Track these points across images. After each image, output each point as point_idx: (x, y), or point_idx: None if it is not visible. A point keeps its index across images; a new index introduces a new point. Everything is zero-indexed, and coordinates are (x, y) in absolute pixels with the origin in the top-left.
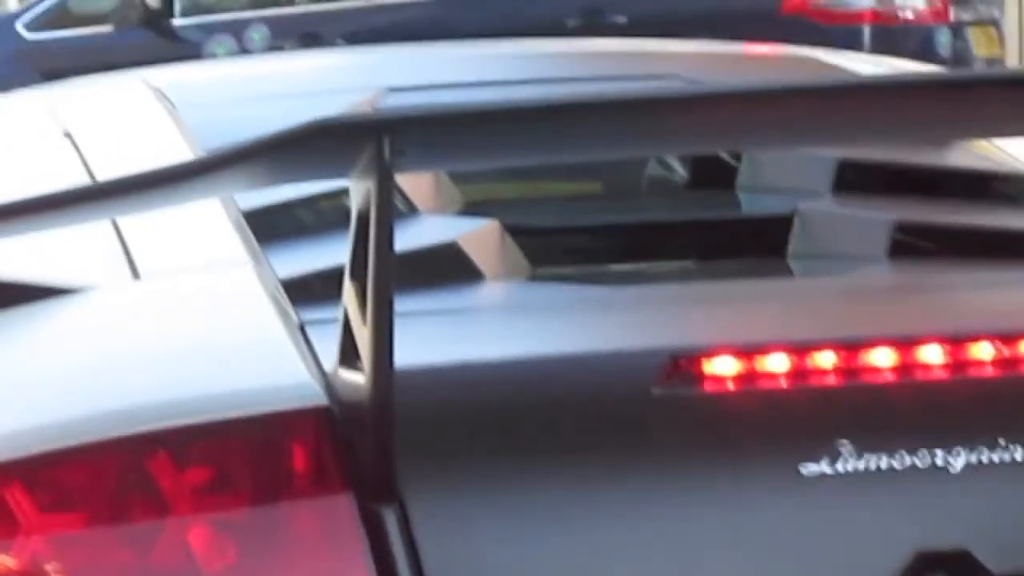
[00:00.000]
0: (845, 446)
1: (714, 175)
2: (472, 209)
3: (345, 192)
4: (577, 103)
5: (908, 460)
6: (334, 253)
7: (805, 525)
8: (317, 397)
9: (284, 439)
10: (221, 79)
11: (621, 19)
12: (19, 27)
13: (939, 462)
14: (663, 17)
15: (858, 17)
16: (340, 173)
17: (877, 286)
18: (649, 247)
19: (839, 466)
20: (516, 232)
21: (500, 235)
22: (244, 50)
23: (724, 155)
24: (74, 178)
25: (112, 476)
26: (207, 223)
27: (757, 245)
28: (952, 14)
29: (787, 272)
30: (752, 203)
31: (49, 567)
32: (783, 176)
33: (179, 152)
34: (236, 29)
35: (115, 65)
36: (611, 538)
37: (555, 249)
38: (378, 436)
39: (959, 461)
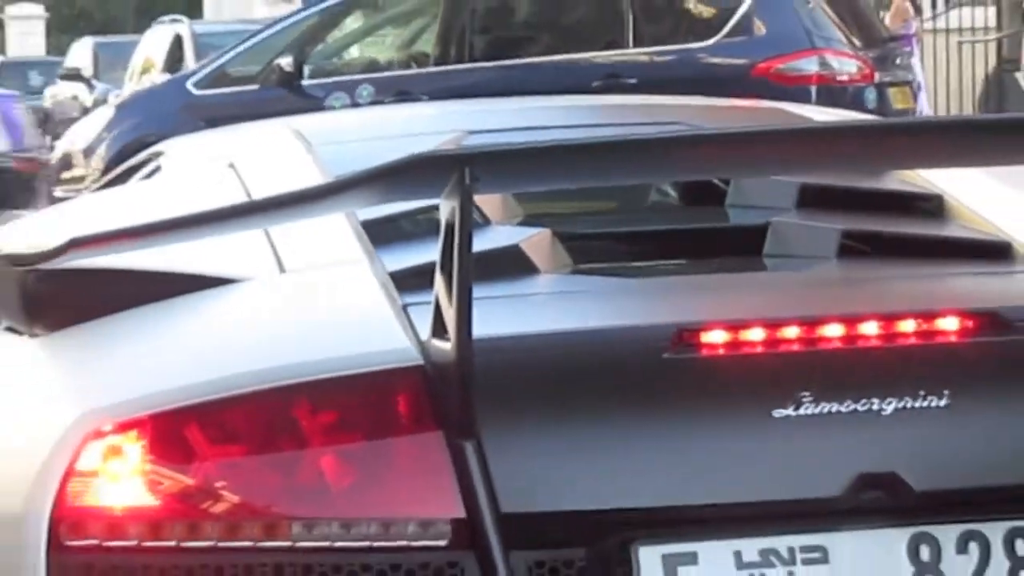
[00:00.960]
0: (806, 396)
1: (709, 195)
2: (530, 220)
3: (435, 208)
4: (605, 142)
5: (852, 406)
6: (427, 253)
7: (776, 454)
8: (415, 359)
9: (390, 390)
10: (344, 124)
11: (632, 81)
12: (189, 85)
13: (875, 407)
14: (663, 79)
15: (807, 79)
16: (433, 194)
17: (828, 278)
18: (661, 248)
19: (801, 411)
20: (562, 237)
21: (551, 240)
22: (355, 104)
23: (716, 180)
24: (236, 198)
25: (264, 417)
26: (334, 230)
27: (741, 248)
28: (876, 77)
29: (762, 267)
30: (737, 216)
31: (217, 485)
32: (760, 196)
33: (314, 178)
34: (349, 88)
35: (259, 115)
36: (634, 460)
37: (591, 250)
38: (461, 389)
39: (890, 407)
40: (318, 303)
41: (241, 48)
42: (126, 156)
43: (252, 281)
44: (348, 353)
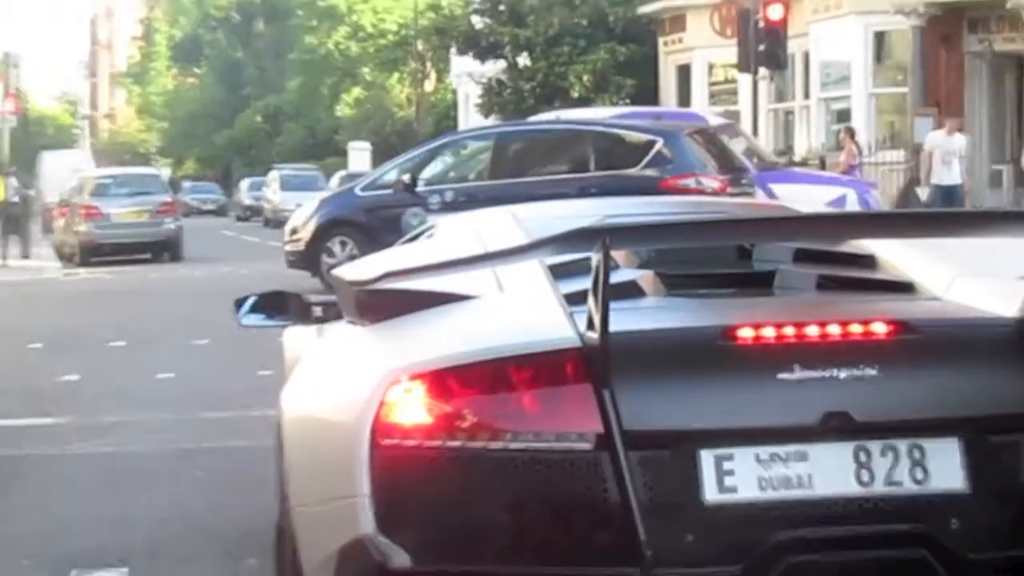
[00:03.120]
0: (796, 366)
1: (743, 252)
2: (641, 265)
3: (588, 258)
4: (683, 223)
5: (822, 373)
6: (583, 283)
7: (779, 399)
8: (577, 343)
9: (562, 360)
10: (536, 210)
11: (594, 190)
12: (356, 190)
13: (835, 374)
14: (610, 189)
15: (689, 191)
16: (588, 251)
17: (810, 301)
18: (716, 282)
19: (794, 375)
20: (660, 276)
21: (653, 277)
22: (443, 201)
23: (746, 245)
24: (478, 251)
25: (491, 374)
26: (531, 268)
27: (761, 283)
28: (728, 189)
29: (772, 294)
30: (759, 265)
31: (464, 411)
32: (771, 253)
33: (521, 240)
34: (440, 192)
35: (393, 206)
36: (698, 400)
37: (676, 283)
38: (602, 360)
39: (844, 374)
40: (522, 310)
41: (385, 169)
42: (324, 228)
43: (484, 297)
44: (539, 339)
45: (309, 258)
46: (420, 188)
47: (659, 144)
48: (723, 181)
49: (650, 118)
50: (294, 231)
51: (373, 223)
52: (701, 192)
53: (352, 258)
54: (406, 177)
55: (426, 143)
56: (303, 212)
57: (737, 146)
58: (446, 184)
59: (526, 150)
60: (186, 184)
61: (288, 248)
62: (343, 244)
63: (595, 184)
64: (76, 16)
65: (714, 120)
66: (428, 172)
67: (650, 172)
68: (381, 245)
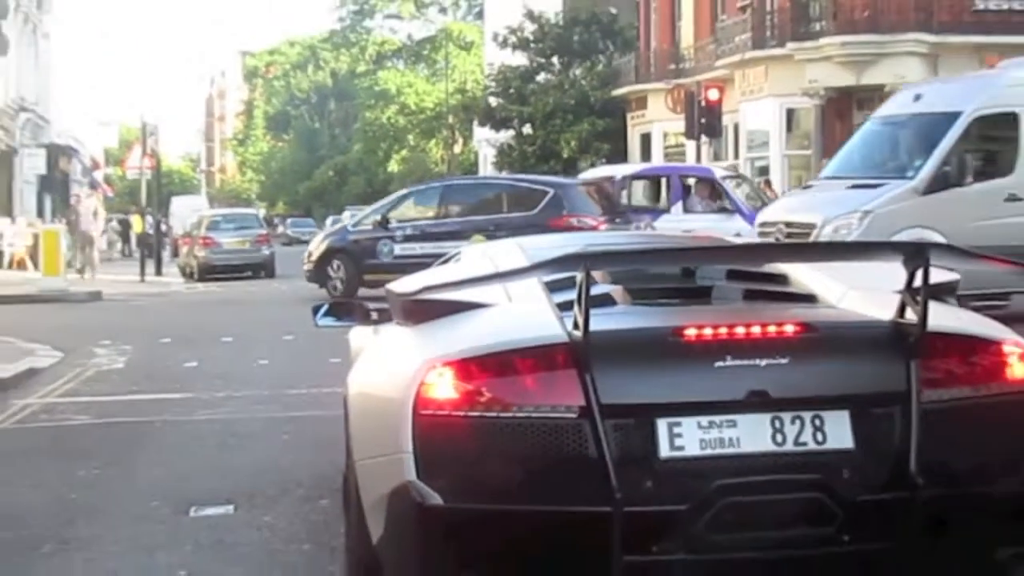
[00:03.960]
0: (728, 356)
1: (688, 272)
2: (614, 282)
3: (575, 276)
4: (648, 249)
5: (748, 361)
6: (571, 295)
7: (716, 380)
8: (565, 339)
9: (554, 352)
10: (536, 240)
11: (508, 227)
12: (348, 227)
13: (757, 362)
14: (518, 227)
15: (572, 228)
16: (574, 271)
17: (738, 308)
18: (670, 294)
19: (727, 363)
20: (628, 289)
21: (623, 290)
22: (405, 234)
23: (691, 266)
24: (490, 271)
25: (502, 362)
26: (532, 284)
27: (702, 295)
28: (603, 227)
29: (710, 304)
30: (700, 281)
31: (483, 389)
32: (710, 274)
33: (523, 262)
34: (403, 227)
35: (372, 239)
36: (655, 381)
37: (639, 294)
38: (584, 351)
39: (763, 362)
40: (524, 315)
41: (367, 212)
42: (326, 254)
43: (497, 305)
44: (537, 336)
45: (318, 275)
46: (391, 225)
47: (551, 194)
48: (598, 221)
49: (669, 171)
50: (309, 255)
51: (357, 250)
52: (581, 229)
53: (342, 277)
54: (379, 217)
55: (396, 193)
56: (315, 241)
57: (741, 192)
58: (408, 222)
59: (462, 197)
60: (289, 220)
61: (305, 267)
62: (337, 265)
63: (505, 222)
64: (196, 97)
65: (720, 172)
66: (396, 214)
67: (544, 214)
68: (361, 265)
